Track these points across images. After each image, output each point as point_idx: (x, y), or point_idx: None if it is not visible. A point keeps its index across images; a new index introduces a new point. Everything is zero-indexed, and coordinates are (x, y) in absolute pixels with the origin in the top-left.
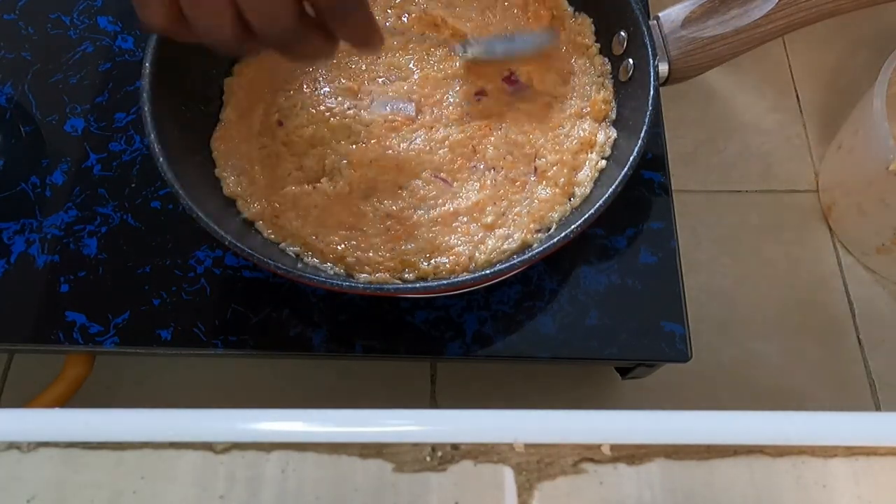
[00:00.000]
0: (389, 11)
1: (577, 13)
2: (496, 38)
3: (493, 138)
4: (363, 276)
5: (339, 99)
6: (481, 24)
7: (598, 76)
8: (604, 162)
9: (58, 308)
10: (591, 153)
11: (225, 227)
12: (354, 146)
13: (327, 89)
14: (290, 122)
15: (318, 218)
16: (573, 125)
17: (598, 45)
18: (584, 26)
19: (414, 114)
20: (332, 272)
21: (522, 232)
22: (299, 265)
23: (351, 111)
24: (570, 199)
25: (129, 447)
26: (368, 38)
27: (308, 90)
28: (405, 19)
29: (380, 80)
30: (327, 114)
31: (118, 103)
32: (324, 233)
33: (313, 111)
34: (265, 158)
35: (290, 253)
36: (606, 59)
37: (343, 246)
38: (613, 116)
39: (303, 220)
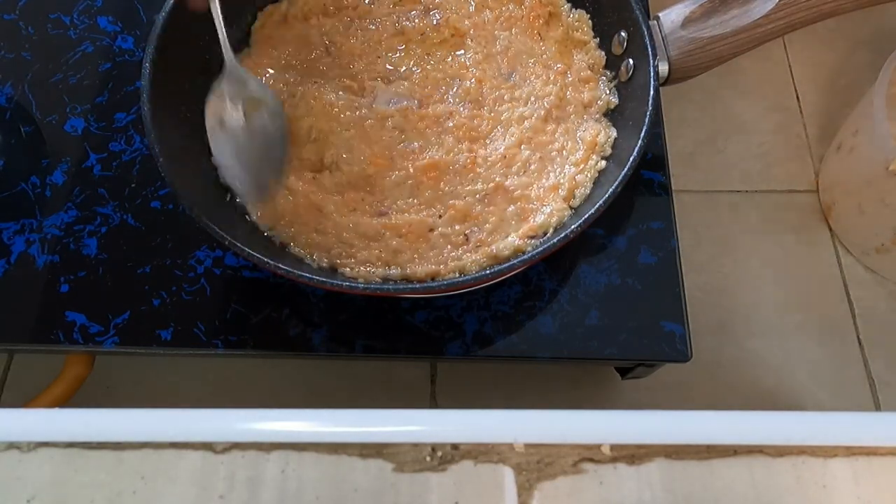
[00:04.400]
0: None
1: (573, 10)
2: None
3: (491, 139)
4: (348, 270)
5: (341, 94)
6: (478, 21)
7: (597, 74)
8: (603, 162)
9: (58, 308)
10: (592, 154)
11: (224, 224)
12: (354, 141)
13: (328, 85)
14: (290, 113)
15: (312, 210)
16: (573, 125)
17: (597, 40)
18: (581, 22)
19: (416, 112)
20: (315, 266)
21: (516, 237)
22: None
23: (352, 107)
24: (569, 201)
25: (129, 447)
26: None
27: (309, 85)
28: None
29: (381, 79)
30: (327, 108)
31: (118, 103)
32: (315, 224)
33: (313, 104)
34: None
35: (277, 244)
36: (605, 56)
37: (332, 238)
38: (614, 115)
39: (298, 210)
